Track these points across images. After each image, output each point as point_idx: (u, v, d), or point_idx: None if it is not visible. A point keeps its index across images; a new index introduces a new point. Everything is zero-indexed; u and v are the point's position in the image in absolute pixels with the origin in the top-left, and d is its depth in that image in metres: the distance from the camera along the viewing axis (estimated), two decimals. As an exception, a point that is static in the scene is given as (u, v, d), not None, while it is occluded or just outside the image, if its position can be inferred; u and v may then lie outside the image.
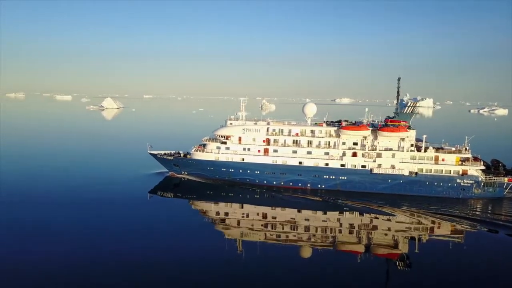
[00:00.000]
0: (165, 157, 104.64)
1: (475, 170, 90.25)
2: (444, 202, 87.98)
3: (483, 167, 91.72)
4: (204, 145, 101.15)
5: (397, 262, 58.42)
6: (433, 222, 76.15)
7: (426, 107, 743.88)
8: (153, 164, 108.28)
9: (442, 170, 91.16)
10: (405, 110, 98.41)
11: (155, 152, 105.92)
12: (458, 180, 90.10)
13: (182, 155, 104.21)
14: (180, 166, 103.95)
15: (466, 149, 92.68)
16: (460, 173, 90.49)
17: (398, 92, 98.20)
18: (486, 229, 73.27)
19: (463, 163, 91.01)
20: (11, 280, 49.49)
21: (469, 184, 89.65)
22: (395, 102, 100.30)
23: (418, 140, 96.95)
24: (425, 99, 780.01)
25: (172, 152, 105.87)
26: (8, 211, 75.03)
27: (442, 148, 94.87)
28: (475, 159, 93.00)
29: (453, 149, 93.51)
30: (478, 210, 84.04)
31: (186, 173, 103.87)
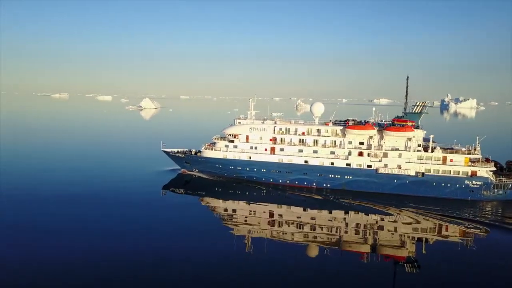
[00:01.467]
0: (177, 154, 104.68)
1: (485, 172, 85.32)
2: (452, 203, 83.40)
3: (493, 169, 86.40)
4: (214, 143, 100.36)
5: (405, 264, 56.16)
6: (441, 224, 72.60)
7: (468, 108, 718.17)
8: (168, 161, 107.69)
9: (450, 171, 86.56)
10: (413, 110, 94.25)
11: (168, 150, 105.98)
12: (467, 182, 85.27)
13: (193, 153, 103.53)
14: (191, 163, 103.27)
15: (475, 149, 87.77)
16: (469, 174, 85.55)
17: (407, 91, 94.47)
18: (495, 233, 68.87)
19: (473, 164, 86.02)
20: (35, 276, 48.40)
21: (478, 186, 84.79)
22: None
23: (427, 140, 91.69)
24: (468, 99, 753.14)
25: (184, 150, 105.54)
26: (30, 207, 74.32)
27: (451, 149, 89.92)
28: (487, 160, 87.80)
29: (463, 149, 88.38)
30: (487, 212, 79.41)
31: (197, 170, 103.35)
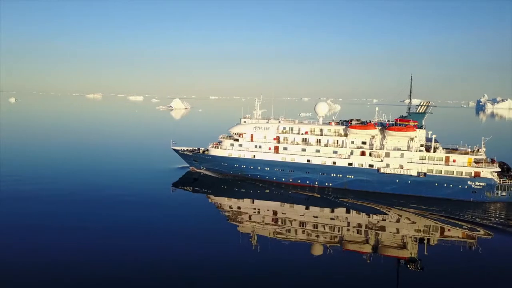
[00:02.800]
0: (186, 152, 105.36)
1: (489, 173, 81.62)
2: (454, 204, 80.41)
3: (498, 170, 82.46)
4: (220, 142, 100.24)
5: (408, 264, 54.87)
6: (443, 225, 69.98)
7: (507, 109, 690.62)
8: (180, 158, 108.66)
9: (453, 172, 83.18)
10: (417, 110, 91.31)
11: (178, 148, 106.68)
12: (469, 182, 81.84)
13: (201, 151, 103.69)
14: (198, 161, 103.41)
15: (478, 150, 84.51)
16: (472, 175, 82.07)
17: (410, 91, 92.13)
18: (498, 235, 66.17)
19: (476, 164, 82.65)
20: (57, 273, 48.48)
21: (480, 187, 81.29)
22: (407, 101, 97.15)
23: (434, 140, 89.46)
24: (506, 100, 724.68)
25: (192, 148, 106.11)
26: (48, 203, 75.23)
27: (455, 149, 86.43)
28: (492, 161, 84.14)
29: (469, 150, 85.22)
30: (491, 214, 76.19)
31: (204, 168, 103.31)
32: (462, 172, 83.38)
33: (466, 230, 68.28)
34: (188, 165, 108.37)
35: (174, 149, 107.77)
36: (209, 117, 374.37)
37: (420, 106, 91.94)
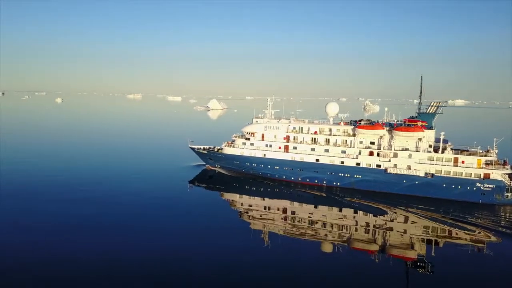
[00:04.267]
0: (201, 151, 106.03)
1: (499, 174, 77.58)
2: (462, 206, 77.11)
3: (509, 171, 78.36)
4: (233, 141, 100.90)
5: (418, 267, 53.40)
6: (450, 227, 67.49)
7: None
8: (197, 156, 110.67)
9: (461, 173, 79.44)
10: (427, 110, 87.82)
11: (194, 146, 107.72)
12: (478, 184, 78.06)
13: (216, 149, 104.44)
14: (213, 159, 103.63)
15: (487, 151, 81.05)
16: (482, 176, 78.13)
17: (421, 90, 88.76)
18: (508, 239, 63.43)
19: (486, 166, 79.10)
20: (69, 271, 48.55)
21: (490, 189, 77.39)
22: (416, 101, 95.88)
23: (443, 141, 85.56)
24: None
25: (208, 146, 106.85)
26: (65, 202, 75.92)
27: (466, 150, 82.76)
28: (504, 163, 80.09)
29: (480, 151, 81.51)
30: (500, 217, 72.85)
31: (218, 166, 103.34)
32: (471, 173, 79.11)
33: (475, 233, 65.16)
34: (204, 163, 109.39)
35: (191, 148, 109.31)
36: (241, 117, 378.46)
37: (430, 107, 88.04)
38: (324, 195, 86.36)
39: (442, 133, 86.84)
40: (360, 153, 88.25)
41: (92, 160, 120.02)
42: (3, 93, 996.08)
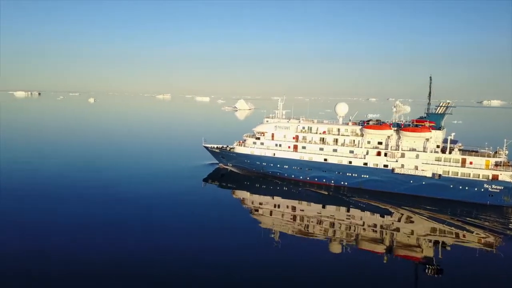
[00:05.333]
0: (214, 150, 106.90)
1: (508, 176, 75.56)
2: (469, 207, 75.37)
3: None
4: (245, 140, 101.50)
5: (427, 268, 52.49)
6: (458, 228, 66.26)
7: None
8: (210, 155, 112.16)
9: (469, 174, 77.61)
10: (436, 111, 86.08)
11: (208, 145, 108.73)
12: (486, 185, 76.05)
13: (228, 149, 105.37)
14: (225, 158, 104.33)
15: (496, 152, 79.04)
16: (490, 177, 76.12)
17: (430, 91, 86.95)
18: None
19: (496, 167, 77.20)
20: (84, 269, 48.82)
21: (498, 190, 75.31)
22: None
23: (452, 142, 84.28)
24: None
25: (221, 145, 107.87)
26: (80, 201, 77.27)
27: (475, 151, 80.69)
28: None
29: (490, 152, 79.81)
30: (508, 219, 71.25)
31: (230, 165, 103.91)
32: (479, 174, 76.91)
33: (482, 235, 63.34)
34: (217, 162, 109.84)
35: (205, 146, 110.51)
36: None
37: (439, 107, 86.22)
38: (332, 194, 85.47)
39: (453, 133, 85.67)
40: (367, 153, 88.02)
41: (117, 159, 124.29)
42: (39, 94, 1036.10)
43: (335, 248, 58.02)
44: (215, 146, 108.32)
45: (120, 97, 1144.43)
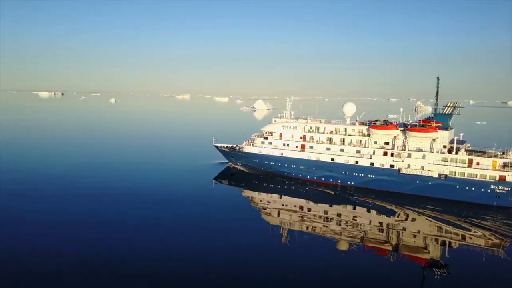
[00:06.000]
0: (224, 149, 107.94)
1: None
2: (476, 208, 74.44)
3: None
4: (253, 140, 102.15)
5: (434, 268, 52.38)
6: (464, 229, 65.71)
7: None
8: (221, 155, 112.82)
9: (476, 175, 76.45)
10: (444, 111, 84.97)
11: (218, 145, 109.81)
12: (492, 186, 74.77)
13: (238, 148, 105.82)
14: (234, 157, 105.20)
15: (503, 153, 78.05)
16: (497, 178, 74.86)
17: (437, 91, 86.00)
18: None
19: (503, 168, 76.05)
20: (97, 269, 49.09)
21: (505, 191, 74.01)
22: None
23: (460, 142, 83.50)
24: None
25: (230, 145, 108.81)
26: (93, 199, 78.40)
27: (482, 152, 79.51)
28: None
29: (498, 153, 78.77)
30: None
31: (240, 164, 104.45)
32: (486, 175, 75.66)
33: (489, 236, 62.47)
34: (227, 161, 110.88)
35: (215, 146, 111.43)
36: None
37: (447, 107, 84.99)
38: (339, 194, 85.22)
39: (461, 134, 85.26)
40: (374, 153, 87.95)
41: (133, 157, 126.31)
42: (62, 94, 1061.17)
43: (343, 247, 57.89)
44: (225, 145, 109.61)
45: (140, 98, 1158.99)
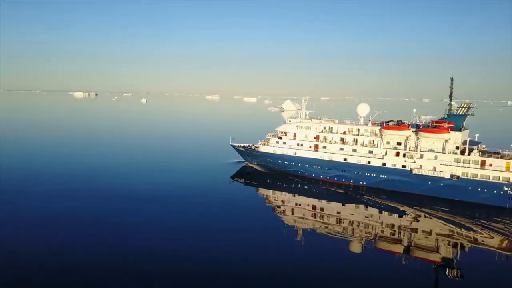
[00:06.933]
0: (240, 148, 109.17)
1: None
2: (488, 210, 73.12)
3: None
4: (268, 140, 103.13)
5: (447, 271, 51.78)
6: (476, 231, 64.79)
7: None
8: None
9: (489, 176, 74.77)
10: (458, 112, 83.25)
11: (235, 144, 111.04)
12: (505, 188, 73.07)
13: (253, 147, 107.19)
14: (250, 157, 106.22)
15: None
16: (510, 180, 73.23)
17: (451, 92, 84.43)
18: None
19: None
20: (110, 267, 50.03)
21: None
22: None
23: (475, 143, 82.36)
24: None
25: (246, 144, 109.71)
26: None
27: (498, 153, 77.92)
28: None
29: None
30: None
31: (256, 163, 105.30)
32: (499, 176, 73.86)
33: (501, 239, 61.37)
34: (243, 160, 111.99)
35: (232, 145, 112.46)
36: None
37: (461, 108, 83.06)
38: (351, 194, 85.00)
39: (476, 135, 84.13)
40: (386, 153, 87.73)
41: (159, 155, 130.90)
42: (96, 94, 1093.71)
43: (355, 247, 57.84)
44: (241, 145, 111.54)
45: (170, 98, 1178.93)
